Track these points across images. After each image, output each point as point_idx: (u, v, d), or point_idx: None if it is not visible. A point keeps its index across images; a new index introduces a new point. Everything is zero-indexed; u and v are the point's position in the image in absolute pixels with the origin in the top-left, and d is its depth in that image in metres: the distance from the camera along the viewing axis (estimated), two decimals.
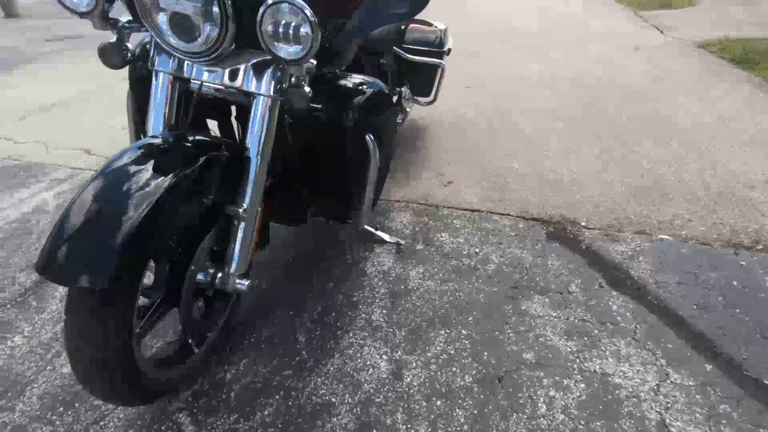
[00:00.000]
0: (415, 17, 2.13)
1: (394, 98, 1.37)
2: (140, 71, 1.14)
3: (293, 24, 0.77)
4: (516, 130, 2.52)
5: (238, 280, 1.04)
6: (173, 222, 0.87)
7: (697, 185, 1.94)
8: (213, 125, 1.23)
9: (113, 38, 0.96)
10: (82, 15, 0.84)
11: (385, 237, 1.60)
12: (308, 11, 0.75)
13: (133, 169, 0.82)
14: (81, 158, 2.19)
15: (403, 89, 2.05)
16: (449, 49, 2.14)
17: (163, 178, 0.80)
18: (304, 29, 0.77)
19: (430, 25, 2.26)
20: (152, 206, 0.76)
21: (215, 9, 0.78)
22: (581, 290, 1.39)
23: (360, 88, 1.15)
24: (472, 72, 3.50)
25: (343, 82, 1.16)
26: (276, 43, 0.79)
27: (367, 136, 1.13)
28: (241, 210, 0.98)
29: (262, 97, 0.94)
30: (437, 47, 2.02)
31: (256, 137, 0.97)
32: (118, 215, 0.75)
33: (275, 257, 1.51)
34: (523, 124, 2.59)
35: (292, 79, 0.94)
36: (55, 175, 2.04)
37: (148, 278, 0.93)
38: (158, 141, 0.92)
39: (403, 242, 1.60)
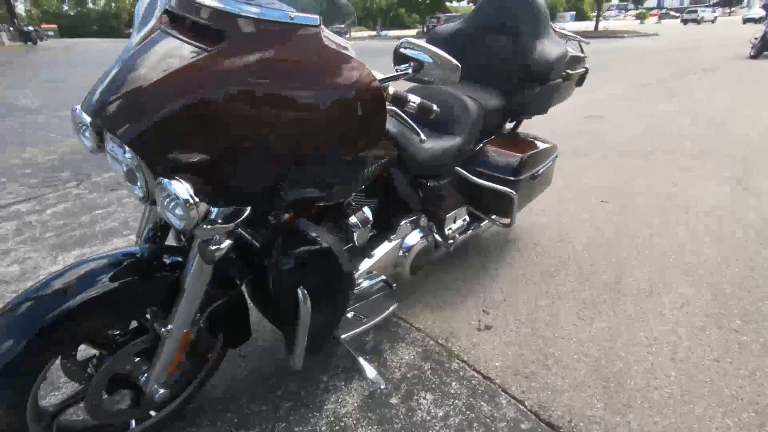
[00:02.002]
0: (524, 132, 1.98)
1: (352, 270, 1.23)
2: None
3: (173, 202, 0.81)
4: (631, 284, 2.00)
5: (157, 387, 1.11)
6: (87, 328, 0.98)
7: None
8: None
9: None
10: (93, 152, 1.06)
11: (368, 372, 1.46)
12: (183, 196, 0.78)
13: (82, 273, 0.99)
14: None
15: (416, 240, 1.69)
16: (533, 176, 1.86)
17: (95, 287, 0.95)
18: (178, 212, 0.80)
19: (535, 143, 2.03)
20: (66, 311, 0.90)
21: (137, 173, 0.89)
22: None
23: (311, 241, 1.11)
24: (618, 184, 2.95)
25: (299, 231, 1.14)
26: (166, 213, 0.84)
27: (299, 289, 1.08)
28: (164, 329, 1.06)
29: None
30: (511, 174, 1.78)
31: (190, 267, 1.04)
32: (30, 312, 0.91)
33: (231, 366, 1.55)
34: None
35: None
36: None
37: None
38: (121, 252, 1.08)
39: (382, 386, 1.44)
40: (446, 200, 1.78)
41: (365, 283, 1.55)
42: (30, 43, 23.90)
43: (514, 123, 2.16)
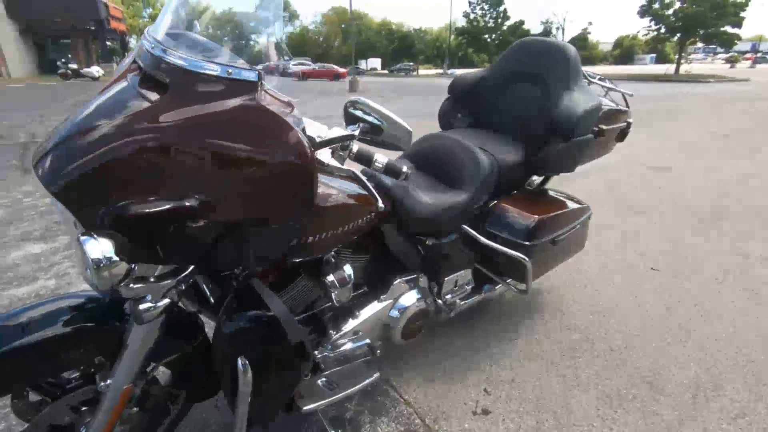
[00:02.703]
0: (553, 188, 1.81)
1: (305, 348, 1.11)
2: None
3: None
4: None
5: None
6: (25, 372, 0.95)
7: None
8: None
9: None
10: None
11: None
12: (92, 256, 0.73)
13: (35, 314, 0.97)
14: None
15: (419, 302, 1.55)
16: (554, 241, 1.66)
17: (42, 331, 0.93)
18: (88, 272, 0.75)
19: (564, 202, 1.83)
20: (9, 351, 0.88)
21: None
22: None
23: (256, 305, 1.02)
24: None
25: (251, 291, 1.06)
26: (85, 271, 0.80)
27: (239, 358, 0.98)
28: (103, 384, 1.02)
29: None
30: (524, 238, 1.60)
31: (131, 325, 0.99)
32: None
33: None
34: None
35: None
36: None
37: None
38: (86, 295, 1.05)
39: None
40: (449, 261, 1.63)
41: (347, 346, 1.42)
42: None
43: (542, 178, 1.98)
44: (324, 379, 1.37)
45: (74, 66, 23.10)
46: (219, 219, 0.84)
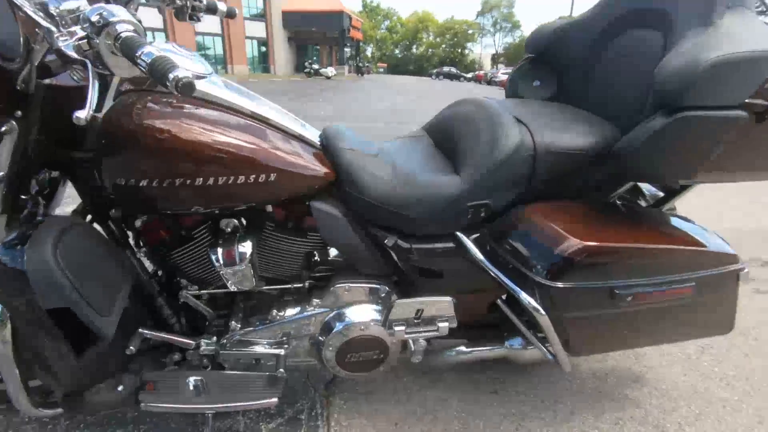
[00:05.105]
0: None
1: None
2: None
3: None
4: None
5: None
6: None
7: None
8: None
9: None
10: None
11: None
12: None
13: None
14: None
15: None
16: (616, 294, 0.92)
17: None
18: None
19: (677, 235, 1.06)
20: None
21: None
22: None
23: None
24: None
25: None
26: None
27: None
28: None
29: None
30: (541, 271, 0.92)
31: None
32: None
33: None
34: None
35: None
36: None
37: None
38: None
39: None
40: (433, 280, 1.10)
41: (256, 349, 1.09)
42: (360, 74, 31.94)
43: (663, 194, 1.19)
44: (199, 378, 1.06)
45: (316, 67, 28.05)
46: None
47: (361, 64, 35.18)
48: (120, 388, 1.02)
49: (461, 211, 1.00)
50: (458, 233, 1.05)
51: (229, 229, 1.01)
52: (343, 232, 1.03)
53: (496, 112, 1.05)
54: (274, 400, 1.07)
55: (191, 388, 1.04)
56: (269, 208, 1.02)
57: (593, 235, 0.92)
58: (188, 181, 0.85)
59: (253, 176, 0.89)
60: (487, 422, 1.27)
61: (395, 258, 1.09)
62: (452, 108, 1.24)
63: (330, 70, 27.99)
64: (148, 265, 1.14)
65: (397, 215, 1.01)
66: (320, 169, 0.99)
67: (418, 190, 1.00)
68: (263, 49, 29.83)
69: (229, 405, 1.04)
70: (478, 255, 1.02)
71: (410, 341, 1.13)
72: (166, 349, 1.15)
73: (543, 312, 0.92)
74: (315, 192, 1.02)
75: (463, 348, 1.24)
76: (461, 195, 0.99)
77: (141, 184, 0.84)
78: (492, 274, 1.01)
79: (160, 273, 1.18)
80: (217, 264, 0.97)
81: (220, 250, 0.97)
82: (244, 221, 1.05)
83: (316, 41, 35.15)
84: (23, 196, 0.89)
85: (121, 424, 1.22)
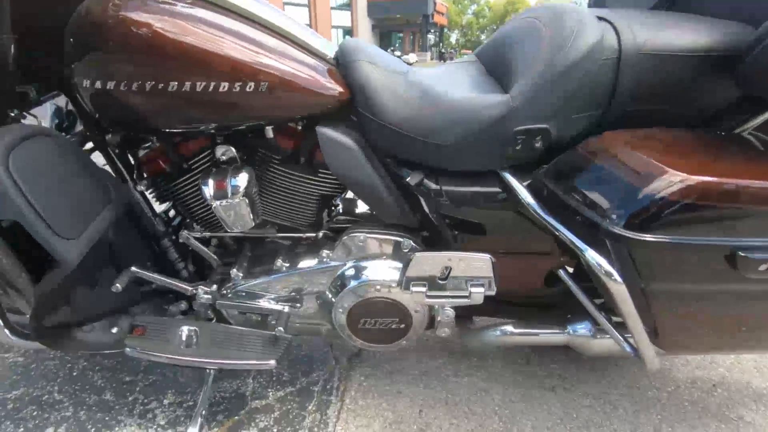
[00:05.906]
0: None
1: None
2: None
3: None
4: None
5: None
6: None
7: None
8: None
9: None
10: None
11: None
12: None
13: None
14: None
15: None
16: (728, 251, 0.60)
17: None
18: None
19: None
20: None
21: None
22: None
23: None
24: None
25: None
26: None
27: None
28: None
29: None
30: (619, 217, 0.63)
31: None
32: None
33: None
34: None
35: None
36: None
37: None
38: None
39: None
40: (456, 230, 0.87)
41: (259, 303, 0.95)
42: (442, 60, 31.64)
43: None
44: (192, 329, 0.94)
45: (398, 54, 28.10)
46: None
47: (444, 51, 34.54)
48: (114, 330, 0.95)
49: (507, 139, 0.75)
50: (504, 173, 0.79)
51: (224, 158, 0.87)
52: (355, 166, 0.83)
53: (566, 9, 0.77)
54: (272, 362, 0.92)
55: (183, 338, 0.93)
56: (269, 133, 0.85)
57: (705, 168, 0.61)
58: (160, 85, 0.71)
59: (239, 84, 0.73)
60: (536, 425, 1.00)
61: (423, 204, 0.87)
62: (512, 22, 0.97)
63: (411, 57, 27.78)
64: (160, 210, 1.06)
65: (422, 144, 0.79)
66: (330, 85, 0.80)
67: (449, 109, 0.77)
68: (348, 38, 30.52)
69: (219, 361, 0.92)
70: (530, 199, 0.76)
71: (437, 309, 0.91)
72: (174, 297, 1.07)
73: (619, 279, 0.64)
74: (324, 115, 0.83)
75: (510, 327, 0.99)
76: (508, 115, 0.73)
77: (108, 87, 0.71)
78: (549, 227, 0.75)
79: (170, 213, 1.09)
80: (208, 196, 0.83)
81: (210, 180, 0.83)
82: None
83: (399, 28, 35.03)
84: (11, 113, 0.83)
85: (132, 371, 1.17)
